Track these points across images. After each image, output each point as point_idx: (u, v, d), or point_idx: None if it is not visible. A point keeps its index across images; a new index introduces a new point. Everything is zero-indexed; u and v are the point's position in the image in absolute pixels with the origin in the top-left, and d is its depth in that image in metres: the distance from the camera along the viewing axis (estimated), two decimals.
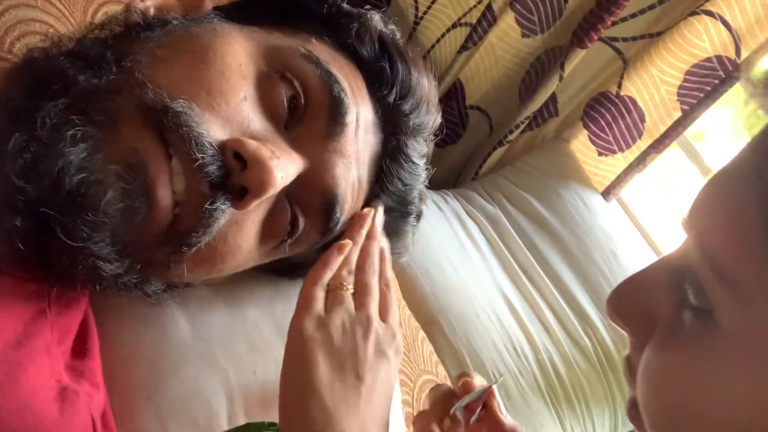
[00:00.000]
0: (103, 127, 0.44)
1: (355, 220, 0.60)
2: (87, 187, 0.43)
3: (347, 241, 0.58)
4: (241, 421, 0.60)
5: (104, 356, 0.54)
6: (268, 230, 0.54)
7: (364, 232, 0.60)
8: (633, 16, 1.38)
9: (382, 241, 0.62)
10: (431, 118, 0.62)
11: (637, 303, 0.37)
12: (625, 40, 1.40)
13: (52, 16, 0.67)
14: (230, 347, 0.63)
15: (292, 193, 0.54)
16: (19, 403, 0.44)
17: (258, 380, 0.62)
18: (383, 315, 0.58)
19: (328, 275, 0.57)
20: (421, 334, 1.00)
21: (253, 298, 0.68)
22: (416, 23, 1.46)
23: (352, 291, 0.57)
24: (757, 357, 0.29)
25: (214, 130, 0.47)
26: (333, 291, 0.57)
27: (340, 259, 0.58)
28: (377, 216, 0.61)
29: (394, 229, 0.64)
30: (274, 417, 0.53)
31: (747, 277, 0.29)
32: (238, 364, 0.62)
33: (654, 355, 0.35)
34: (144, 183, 0.45)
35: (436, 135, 0.65)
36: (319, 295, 0.56)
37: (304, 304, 0.55)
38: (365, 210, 0.60)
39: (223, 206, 0.48)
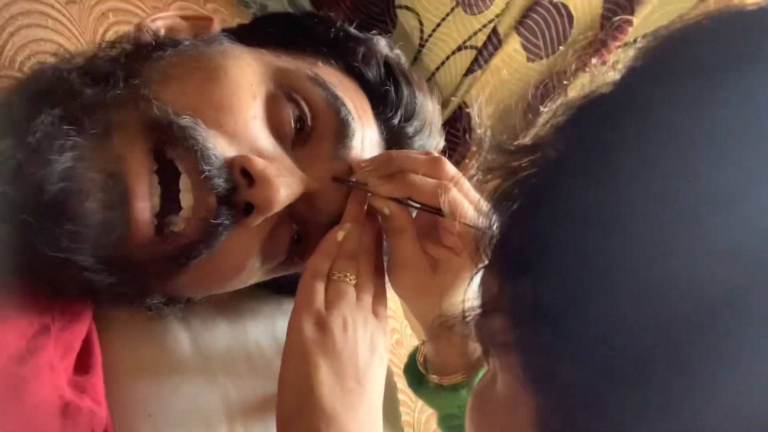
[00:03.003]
0: (95, 137, 0.45)
1: (355, 198, 0.57)
2: (67, 197, 0.43)
3: (346, 225, 0.56)
4: None
5: (106, 372, 0.54)
6: (270, 248, 0.54)
7: (364, 209, 0.57)
8: (636, 40, 1.38)
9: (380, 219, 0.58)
10: (435, 140, 0.63)
11: None
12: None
13: (63, 36, 0.68)
14: (231, 364, 0.62)
15: (297, 212, 0.54)
16: (21, 419, 0.44)
17: (258, 398, 0.62)
18: (376, 308, 0.56)
19: (327, 264, 0.55)
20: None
21: (254, 315, 0.68)
22: (421, 46, 1.47)
23: (353, 282, 0.55)
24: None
25: (221, 146, 0.48)
26: (333, 282, 0.54)
27: (340, 245, 0.55)
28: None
29: None
30: None
31: None
32: (238, 381, 0.62)
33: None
34: (122, 193, 0.45)
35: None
36: (319, 288, 0.53)
37: (303, 299, 0.53)
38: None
39: (227, 221, 0.48)
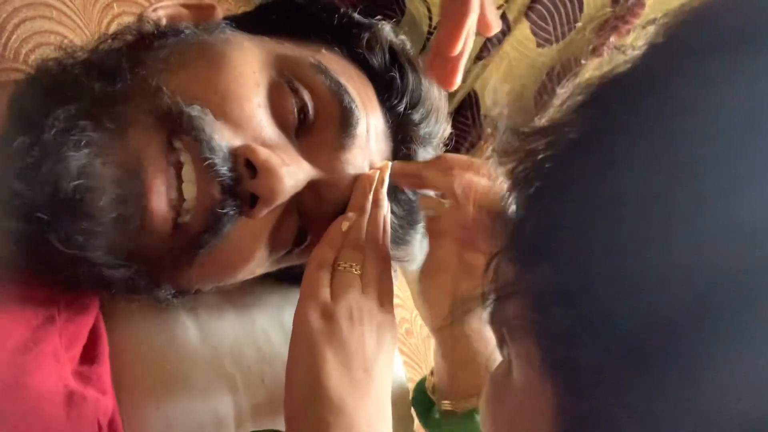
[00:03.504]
0: (110, 133, 0.45)
1: (360, 186, 0.56)
2: (83, 194, 0.43)
3: (351, 214, 0.55)
4: (249, 428, 0.59)
5: (113, 362, 0.54)
6: (277, 238, 0.54)
7: (371, 198, 0.56)
8: (648, 23, 1.36)
9: (385, 208, 0.57)
10: (441, 127, 0.62)
11: None
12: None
13: (68, 28, 0.68)
14: (238, 355, 0.63)
15: (302, 201, 0.54)
16: (25, 408, 0.44)
17: (266, 388, 0.62)
18: (382, 298, 0.54)
19: (332, 254, 0.54)
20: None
21: (261, 305, 0.68)
22: (430, 33, 1.46)
23: (358, 272, 0.54)
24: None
25: (226, 136, 0.48)
26: (339, 272, 0.53)
27: (345, 234, 0.55)
28: (384, 177, 0.57)
29: (401, 238, 0.64)
30: (281, 425, 0.52)
31: None
32: (246, 371, 0.62)
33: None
34: (139, 189, 0.45)
35: (446, 144, 0.65)
36: (324, 278, 0.52)
37: (309, 290, 0.52)
38: (371, 171, 0.57)
39: (232, 212, 0.48)
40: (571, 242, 0.28)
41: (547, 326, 0.28)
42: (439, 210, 0.55)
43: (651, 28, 0.30)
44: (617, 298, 0.25)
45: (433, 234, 0.57)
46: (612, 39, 1.30)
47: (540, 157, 0.31)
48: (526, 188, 0.31)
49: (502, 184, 0.33)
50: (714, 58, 0.26)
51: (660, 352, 0.24)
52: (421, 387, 0.67)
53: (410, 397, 0.72)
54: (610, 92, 0.30)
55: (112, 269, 0.46)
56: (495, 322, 0.34)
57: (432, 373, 0.66)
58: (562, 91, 0.32)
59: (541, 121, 0.33)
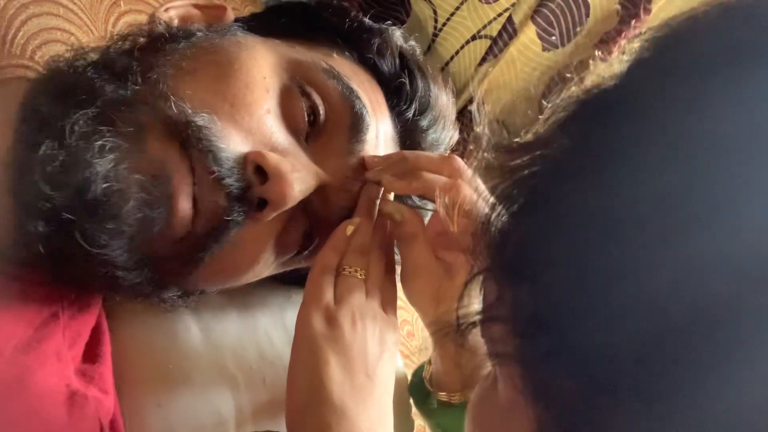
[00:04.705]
0: (130, 138, 0.45)
1: (368, 191, 0.56)
2: (110, 196, 0.43)
3: (356, 219, 0.55)
4: (250, 429, 0.60)
5: (116, 361, 0.54)
6: (284, 241, 0.54)
7: (377, 204, 0.56)
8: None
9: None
10: (448, 133, 0.62)
11: None
12: None
13: (75, 25, 0.68)
14: (241, 355, 0.63)
15: (311, 206, 0.54)
16: (27, 407, 0.44)
17: (267, 389, 0.63)
18: (386, 303, 0.55)
19: (336, 259, 0.54)
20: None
21: (264, 306, 0.68)
22: (435, 35, 1.46)
23: (362, 277, 0.54)
24: None
25: (235, 143, 0.48)
26: (343, 277, 0.53)
27: (349, 239, 0.55)
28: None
29: None
30: (282, 426, 0.52)
31: None
32: (247, 371, 0.62)
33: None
34: (166, 193, 0.45)
35: (453, 150, 0.65)
36: (328, 282, 0.53)
37: (312, 294, 0.52)
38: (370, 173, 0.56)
39: (238, 218, 0.48)
40: (551, 266, 0.27)
41: (528, 351, 0.28)
42: (402, 214, 0.55)
43: (637, 43, 0.29)
44: (599, 326, 0.25)
45: (402, 238, 0.57)
46: (598, 53, 1.29)
47: (523, 174, 0.30)
48: (508, 206, 0.30)
49: (486, 200, 0.33)
50: (696, 80, 0.26)
51: (639, 381, 0.24)
52: (419, 374, 0.68)
53: (408, 383, 0.72)
54: (591, 109, 0.29)
55: (125, 270, 0.46)
56: (481, 335, 0.33)
57: (430, 362, 0.66)
58: (548, 105, 0.32)
59: (527, 135, 0.32)
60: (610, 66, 0.29)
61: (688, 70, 0.26)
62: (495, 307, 0.30)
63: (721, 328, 0.23)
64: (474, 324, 0.32)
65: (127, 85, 0.46)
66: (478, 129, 0.37)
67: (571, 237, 0.26)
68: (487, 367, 0.38)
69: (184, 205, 0.46)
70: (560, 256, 0.27)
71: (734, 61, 0.25)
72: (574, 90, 0.31)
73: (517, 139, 0.32)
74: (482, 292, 0.33)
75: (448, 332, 0.35)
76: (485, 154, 0.34)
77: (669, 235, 0.24)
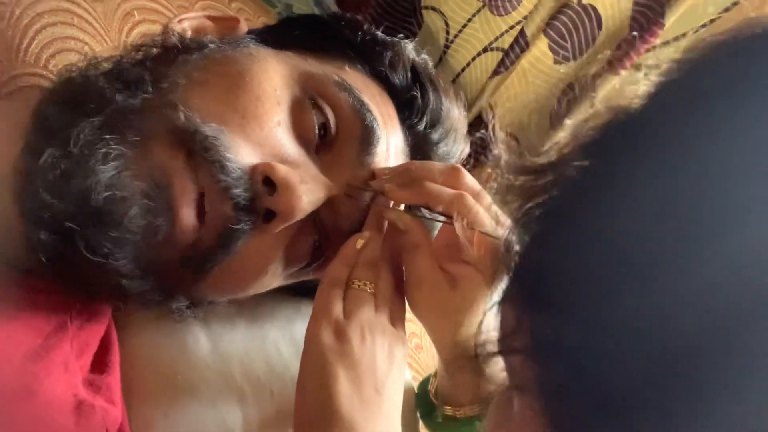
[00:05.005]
0: (135, 146, 0.45)
1: (378, 204, 0.56)
2: (112, 204, 0.43)
3: (366, 233, 0.55)
4: None
5: (124, 371, 0.54)
6: (292, 253, 0.54)
7: (388, 218, 0.56)
8: (666, 43, 1.36)
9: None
10: (459, 147, 0.62)
11: None
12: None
13: (88, 34, 0.68)
14: (248, 366, 0.62)
15: (321, 218, 0.54)
16: (34, 416, 0.44)
17: (275, 401, 0.62)
18: (395, 317, 0.54)
19: (345, 272, 0.54)
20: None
21: (273, 317, 0.68)
22: (446, 47, 1.46)
23: (371, 290, 0.53)
24: None
25: (243, 154, 0.48)
26: (352, 290, 0.53)
27: (358, 253, 0.54)
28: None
29: None
30: None
31: None
32: (255, 383, 0.62)
33: None
34: (168, 201, 0.45)
35: (464, 164, 0.64)
36: (337, 296, 0.52)
37: (321, 307, 0.52)
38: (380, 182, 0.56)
39: (245, 228, 0.48)
40: (571, 295, 0.26)
41: (545, 377, 0.28)
42: (405, 222, 0.55)
43: (663, 64, 0.28)
44: (622, 357, 0.24)
45: (405, 248, 0.56)
46: (624, 71, 1.30)
47: (543, 197, 0.29)
48: (528, 230, 0.30)
49: (504, 224, 0.32)
50: (723, 105, 0.25)
51: (662, 415, 0.24)
52: (424, 387, 0.67)
53: (414, 393, 0.72)
54: (616, 133, 0.28)
55: (131, 279, 0.46)
56: (501, 354, 0.33)
57: (435, 374, 0.65)
58: (570, 123, 0.31)
59: (548, 153, 0.31)
60: (635, 84, 0.29)
61: (722, 96, 0.26)
62: (514, 336, 0.30)
63: (738, 351, 0.22)
64: (492, 354, 0.32)
65: (137, 94, 0.47)
66: (495, 150, 0.36)
67: (591, 266, 0.26)
68: (502, 386, 0.37)
69: (187, 213, 0.46)
70: (580, 285, 0.26)
71: (761, 88, 0.25)
72: (597, 108, 0.30)
73: (536, 159, 0.32)
74: (500, 317, 0.32)
75: (464, 364, 0.35)
76: (504, 175, 0.33)
77: (695, 264, 0.23)
